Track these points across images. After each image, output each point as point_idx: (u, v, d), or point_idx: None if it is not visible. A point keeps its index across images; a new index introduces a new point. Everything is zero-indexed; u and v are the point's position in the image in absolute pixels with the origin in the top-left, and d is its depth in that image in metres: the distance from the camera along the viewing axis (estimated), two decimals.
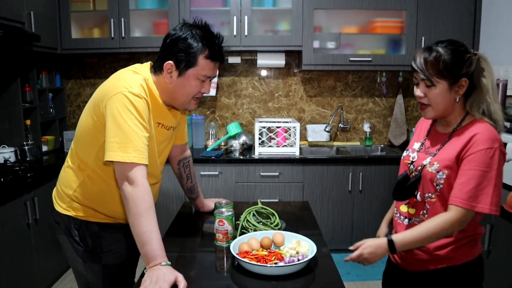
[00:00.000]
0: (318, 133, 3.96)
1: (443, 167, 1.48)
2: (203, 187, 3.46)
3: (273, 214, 1.83)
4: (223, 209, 1.70)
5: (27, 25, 3.09)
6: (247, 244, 1.55)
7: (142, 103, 1.45)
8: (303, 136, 4.03)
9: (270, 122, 3.72)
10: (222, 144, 3.77)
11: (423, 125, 1.72)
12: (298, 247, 1.53)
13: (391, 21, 3.64)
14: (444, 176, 1.47)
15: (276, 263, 1.42)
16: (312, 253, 1.47)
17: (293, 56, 3.96)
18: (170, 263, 1.36)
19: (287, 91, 4.02)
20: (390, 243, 1.48)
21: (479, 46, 3.49)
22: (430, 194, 1.52)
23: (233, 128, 3.68)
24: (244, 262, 1.40)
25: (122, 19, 3.52)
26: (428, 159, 1.53)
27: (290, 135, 3.61)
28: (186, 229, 1.86)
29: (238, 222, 1.80)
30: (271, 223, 1.78)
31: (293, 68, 3.99)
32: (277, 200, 3.47)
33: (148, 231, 1.37)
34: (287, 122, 3.75)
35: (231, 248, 1.47)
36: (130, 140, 1.40)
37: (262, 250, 1.55)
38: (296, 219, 1.99)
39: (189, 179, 2.00)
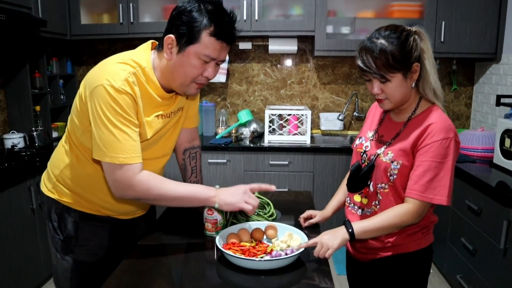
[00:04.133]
0: (331, 121, 3.85)
1: (398, 156, 1.43)
2: (210, 175, 3.40)
3: (268, 204, 1.75)
4: None
5: (34, 10, 3.06)
6: (236, 236, 1.47)
7: (126, 98, 1.34)
8: (315, 125, 3.93)
9: (281, 109, 3.61)
10: (233, 131, 3.70)
11: (375, 112, 1.65)
12: (290, 241, 1.45)
13: (410, 5, 3.47)
14: (398, 166, 1.43)
15: (262, 257, 1.34)
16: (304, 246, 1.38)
17: (306, 42, 3.84)
18: (218, 186, 1.49)
19: (300, 78, 3.91)
20: (348, 226, 1.44)
21: (504, 30, 3.29)
22: (383, 185, 1.47)
23: (244, 115, 3.60)
24: (228, 255, 1.32)
25: (131, 4, 3.46)
26: (382, 149, 1.48)
27: (301, 123, 3.52)
28: (179, 215, 1.79)
29: None
30: (265, 213, 1.70)
31: (307, 54, 3.87)
32: (286, 190, 3.38)
33: (181, 191, 1.42)
34: (298, 109, 3.64)
35: (216, 239, 1.40)
36: (118, 140, 1.33)
37: (252, 242, 1.47)
38: (295, 209, 1.90)
39: (193, 173, 1.82)
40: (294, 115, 3.52)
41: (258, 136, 3.66)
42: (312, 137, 3.52)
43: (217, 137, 3.62)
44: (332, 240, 1.41)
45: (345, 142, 3.79)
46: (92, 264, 1.59)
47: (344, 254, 1.71)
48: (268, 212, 1.71)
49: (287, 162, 3.37)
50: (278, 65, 3.91)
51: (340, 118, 3.76)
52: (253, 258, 1.30)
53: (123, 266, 1.38)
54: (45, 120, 3.49)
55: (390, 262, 1.52)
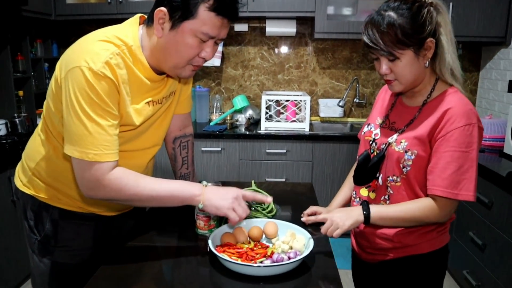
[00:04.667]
0: (331, 108, 3.70)
1: (413, 145, 1.28)
2: (204, 164, 3.25)
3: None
4: None
5: None
6: (232, 236, 1.30)
7: (104, 85, 1.15)
8: (314, 111, 3.77)
9: (278, 95, 3.45)
10: (227, 118, 3.55)
11: (385, 96, 1.48)
12: (292, 241, 1.29)
13: None
14: (413, 157, 1.27)
15: (261, 261, 1.18)
16: (308, 249, 1.21)
17: (306, 24, 3.66)
18: (205, 183, 1.31)
19: (299, 62, 3.73)
20: (365, 207, 1.30)
21: None
22: (394, 177, 1.31)
23: (239, 101, 3.45)
24: (222, 259, 1.15)
25: None
26: (394, 137, 1.32)
27: (300, 109, 3.38)
28: (171, 208, 1.62)
29: None
30: (264, 209, 1.53)
31: (306, 37, 3.69)
32: (283, 180, 3.26)
33: (159, 189, 1.24)
34: (297, 95, 3.48)
35: (209, 240, 1.23)
36: (90, 134, 1.16)
37: (250, 243, 1.31)
38: (296, 204, 1.73)
39: (184, 164, 1.64)
40: (292, 101, 3.37)
41: (254, 123, 3.52)
42: (310, 124, 3.38)
43: (211, 124, 3.48)
44: (344, 219, 1.28)
45: (345, 129, 3.65)
46: (74, 266, 1.43)
47: (344, 248, 1.55)
48: (267, 207, 1.54)
49: (284, 151, 3.22)
50: (276, 49, 3.74)
51: (340, 104, 3.60)
52: (251, 263, 1.13)
53: (101, 271, 1.21)
54: (29, 106, 3.30)
55: (401, 265, 1.37)
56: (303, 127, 3.30)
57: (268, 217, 1.50)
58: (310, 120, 3.40)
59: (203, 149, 3.22)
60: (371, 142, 1.39)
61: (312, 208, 1.51)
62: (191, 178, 1.66)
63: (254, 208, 1.52)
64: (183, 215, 1.53)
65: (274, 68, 3.76)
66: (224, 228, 1.35)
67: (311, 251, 1.20)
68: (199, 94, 3.57)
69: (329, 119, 3.75)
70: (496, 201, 2.30)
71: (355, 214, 1.29)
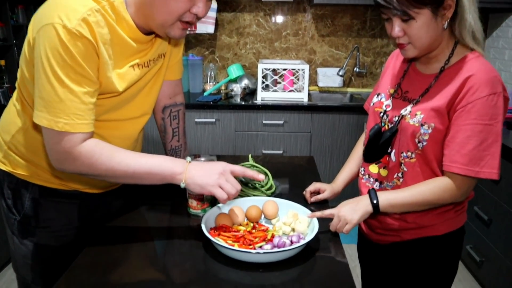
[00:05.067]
0: (330, 77, 3.55)
1: (429, 118, 1.14)
2: (198, 136, 3.12)
3: (266, 174, 1.45)
4: None
5: None
6: (228, 216, 1.18)
7: (80, 46, 1.00)
8: (313, 81, 3.63)
9: (275, 63, 3.29)
10: (222, 88, 3.42)
11: (396, 62, 1.33)
12: (295, 223, 1.16)
13: None
14: (429, 131, 1.14)
15: (261, 246, 1.06)
16: (312, 232, 1.09)
17: None
18: (189, 159, 1.15)
19: (296, 29, 3.55)
20: (373, 196, 1.18)
21: None
22: (409, 154, 1.18)
23: (234, 70, 3.31)
24: (217, 245, 1.03)
25: None
26: (408, 108, 1.19)
27: (298, 78, 3.23)
28: (162, 186, 1.49)
29: None
30: (262, 186, 1.40)
31: (304, 2, 3.50)
32: (281, 152, 3.14)
33: (136, 165, 1.09)
34: (294, 64, 3.32)
35: (202, 223, 1.11)
36: (61, 100, 1.01)
37: (247, 224, 1.19)
38: (297, 179, 1.61)
39: (175, 136, 1.50)
40: (289, 70, 3.23)
41: (250, 93, 3.38)
42: (309, 94, 3.24)
43: (205, 94, 3.33)
44: (351, 213, 1.17)
45: (345, 100, 3.52)
46: (58, 248, 1.31)
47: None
48: (266, 184, 1.42)
49: (282, 122, 3.09)
50: (272, 15, 3.55)
51: (340, 73, 3.45)
52: (250, 250, 1.01)
53: (85, 254, 1.09)
54: (12, 76, 3.12)
55: (414, 247, 1.26)
56: (301, 97, 3.16)
57: (267, 195, 1.37)
58: (309, 90, 3.25)
59: (196, 120, 3.09)
60: (381, 114, 1.25)
61: (315, 185, 1.39)
62: (183, 151, 1.52)
63: (251, 185, 1.40)
64: (176, 192, 1.40)
65: (271, 35, 3.58)
66: (219, 208, 1.23)
67: (317, 233, 1.08)
68: (192, 63, 3.41)
69: (328, 89, 3.61)
70: (504, 175, 2.18)
71: (363, 205, 1.18)
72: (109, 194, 1.38)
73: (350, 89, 3.64)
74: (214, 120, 3.09)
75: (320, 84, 3.57)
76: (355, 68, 3.58)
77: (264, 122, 3.09)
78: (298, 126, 3.11)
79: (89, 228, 1.33)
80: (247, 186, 1.39)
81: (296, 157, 2.02)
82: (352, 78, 3.66)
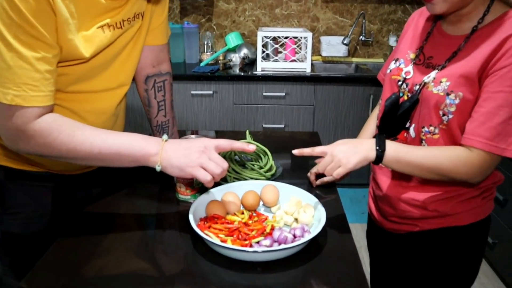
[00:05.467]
0: (334, 46, 3.36)
1: (457, 86, 0.96)
2: (194, 109, 2.96)
3: (265, 154, 1.28)
4: None
5: None
6: (220, 205, 1.02)
7: (30, 1, 0.82)
8: (316, 50, 3.43)
9: (276, 31, 3.09)
10: (220, 58, 3.22)
11: (418, 22, 1.14)
12: (298, 212, 1.00)
13: None
14: (456, 101, 0.96)
15: (258, 242, 0.90)
16: (319, 224, 0.93)
17: None
18: (165, 137, 0.96)
19: None
20: (380, 142, 0.99)
21: None
22: (431, 128, 1.01)
23: (232, 39, 3.10)
24: (208, 241, 0.87)
25: None
26: (433, 74, 1.00)
27: (300, 47, 3.05)
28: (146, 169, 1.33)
29: None
30: (261, 167, 1.24)
31: None
32: (282, 126, 2.99)
33: (102, 145, 0.92)
34: (297, 32, 3.12)
35: (190, 213, 0.95)
36: (8, 68, 0.84)
37: (243, 213, 1.03)
38: (301, 159, 1.44)
39: (161, 110, 1.32)
40: (291, 38, 3.05)
41: (249, 63, 3.21)
42: (312, 65, 3.07)
43: (202, 64, 3.16)
44: (348, 155, 0.96)
45: (350, 70, 3.35)
46: (29, 238, 1.16)
47: (354, 203, 1.24)
48: (265, 165, 1.25)
49: (283, 94, 2.93)
50: None
51: (345, 42, 3.26)
52: (245, 248, 0.85)
53: (57, 247, 0.94)
54: None
55: (433, 238, 1.10)
56: (304, 67, 2.98)
57: (267, 178, 1.21)
58: (311, 60, 3.08)
59: (193, 92, 2.93)
60: (400, 82, 1.07)
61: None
62: (171, 128, 1.35)
63: (248, 166, 1.23)
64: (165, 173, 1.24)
65: (271, 1, 3.36)
66: (211, 193, 1.07)
67: (324, 227, 0.92)
68: (187, 31, 3.21)
69: (332, 59, 3.42)
70: None
71: (364, 149, 0.98)
72: (88, 176, 1.22)
73: (355, 59, 3.45)
74: (211, 92, 2.93)
75: (324, 53, 3.39)
76: (361, 36, 3.38)
77: (265, 94, 2.93)
78: (300, 99, 2.95)
79: (64, 215, 1.17)
80: (244, 168, 1.23)
81: (299, 133, 1.85)
82: (358, 47, 3.46)
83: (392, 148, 0.98)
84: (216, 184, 1.09)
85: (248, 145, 0.97)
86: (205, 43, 3.33)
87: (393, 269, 1.22)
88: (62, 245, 0.96)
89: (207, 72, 2.90)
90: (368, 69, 3.23)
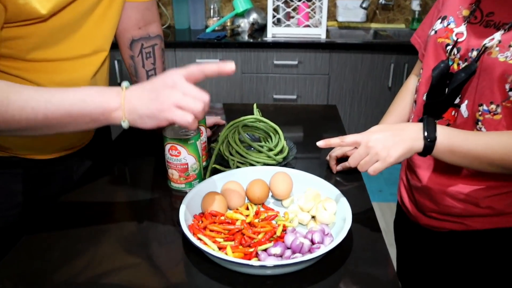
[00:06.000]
0: (351, 10, 3.15)
1: None
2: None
3: (275, 132, 1.08)
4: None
5: None
6: (220, 197, 0.82)
7: None
8: (332, 15, 3.22)
9: None
10: (227, 23, 3.04)
11: None
12: (317, 208, 0.80)
13: None
14: None
15: (266, 249, 0.71)
16: (344, 224, 0.74)
17: None
18: (126, 84, 0.74)
19: None
20: (429, 128, 0.76)
21: None
22: (492, 107, 0.80)
23: (241, 2, 2.94)
24: (204, 251, 0.68)
25: None
26: (497, 36, 0.78)
27: (314, 12, 2.87)
28: (138, 147, 1.14)
29: (214, 145, 1.06)
30: (271, 149, 1.03)
31: None
32: (294, 97, 2.80)
33: (46, 107, 0.71)
34: None
35: (181, 211, 0.75)
36: None
37: (248, 208, 0.83)
38: (317, 137, 1.24)
39: (152, 74, 1.13)
40: (304, 1, 2.87)
41: (259, 29, 3.01)
42: (327, 31, 2.88)
43: (208, 30, 2.98)
44: (388, 145, 0.75)
45: (368, 37, 3.14)
46: None
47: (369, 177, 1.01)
48: (276, 145, 1.05)
49: (296, 62, 2.73)
50: None
51: (363, 6, 3.03)
52: (250, 262, 0.66)
53: (22, 247, 0.76)
54: None
55: (484, 240, 0.90)
56: (318, 33, 2.79)
57: (277, 162, 1.01)
58: (327, 26, 2.87)
59: (198, 61, 2.74)
60: (450, 47, 0.85)
61: (342, 148, 1.01)
62: None
63: (255, 148, 1.03)
64: (158, 154, 1.06)
65: None
66: (209, 182, 0.87)
67: (349, 229, 0.72)
68: None
69: (349, 24, 3.21)
70: None
71: (409, 137, 0.76)
72: (64, 160, 1.04)
73: (374, 25, 3.22)
74: (218, 60, 2.74)
75: (340, 18, 3.19)
76: (380, 0, 3.13)
77: (275, 62, 2.74)
78: (314, 67, 2.75)
79: (38, 206, 0.99)
80: (249, 149, 1.03)
81: (314, 106, 1.64)
82: (377, 11, 3.22)
83: (445, 135, 0.75)
84: (215, 171, 0.89)
85: (225, 65, 0.72)
86: (212, 7, 3.16)
87: (427, 268, 1.03)
88: (29, 244, 0.78)
89: (214, 39, 2.73)
90: (389, 35, 3.01)
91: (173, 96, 0.69)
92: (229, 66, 0.71)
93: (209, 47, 2.71)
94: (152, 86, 0.71)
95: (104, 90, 0.73)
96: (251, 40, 2.74)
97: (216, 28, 3.00)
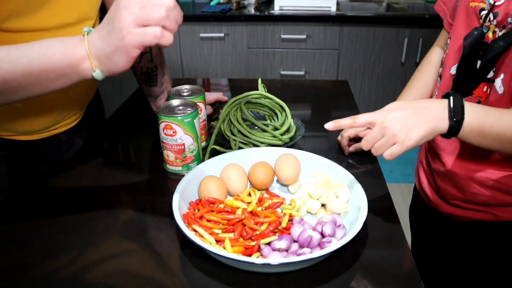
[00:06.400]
0: None
1: None
2: (204, 54, 2.68)
3: (282, 109, 0.99)
4: (176, 102, 0.86)
5: None
6: (219, 182, 0.74)
7: None
8: None
9: None
10: None
11: None
12: (327, 195, 0.72)
13: None
14: None
15: (269, 243, 0.62)
16: (359, 214, 0.65)
17: None
18: (87, 30, 0.62)
19: None
20: (455, 106, 0.65)
21: None
22: None
23: None
24: (197, 243, 0.59)
25: None
26: None
27: None
28: (132, 124, 1.06)
29: (214, 124, 0.97)
30: (277, 128, 0.94)
31: None
32: (302, 73, 2.69)
33: (6, 65, 0.61)
34: None
35: (175, 198, 0.67)
36: None
37: (250, 195, 0.75)
38: (327, 116, 1.15)
39: (145, 53, 1.01)
40: None
41: (265, 1, 2.90)
42: (337, 3, 2.76)
43: (212, 3, 2.86)
44: (408, 126, 0.65)
45: (380, 10, 3.00)
46: None
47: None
48: (282, 124, 0.95)
49: (304, 36, 2.62)
50: None
51: None
52: (252, 259, 0.57)
53: None
54: None
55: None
56: (328, 5, 2.66)
57: (284, 143, 0.92)
58: None
59: (202, 35, 2.63)
60: (485, 12, 0.74)
61: (356, 128, 0.92)
62: (160, 76, 1.04)
63: (259, 126, 0.94)
64: (154, 134, 0.97)
65: None
66: (209, 164, 0.78)
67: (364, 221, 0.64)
68: None
69: None
70: None
71: (432, 115, 0.66)
72: (53, 141, 0.95)
73: None
74: (222, 34, 2.64)
75: None
76: None
77: (283, 37, 2.63)
78: (323, 42, 2.64)
79: (27, 190, 0.92)
80: (253, 129, 0.94)
81: (325, 81, 1.54)
82: None
83: (474, 115, 0.65)
84: (215, 153, 0.81)
85: None
86: None
87: (447, 260, 0.94)
88: (8, 234, 0.70)
89: (218, 12, 2.62)
90: (402, 8, 2.87)
91: (128, 15, 0.57)
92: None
93: (213, 21, 2.59)
94: (108, 16, 0.60)
95: (66, 39, 0.63)
96: (258, 13, 2.62)
97: (221, 0, 2.88)
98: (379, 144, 0.66)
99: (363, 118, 0.68)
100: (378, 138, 0.66)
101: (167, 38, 0.58)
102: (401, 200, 2.29)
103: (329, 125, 0.71)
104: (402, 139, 0.64)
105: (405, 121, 0.65)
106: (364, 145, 0.69)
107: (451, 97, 0.66)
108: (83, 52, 0.60)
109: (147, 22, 0.57)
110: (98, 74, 0.61)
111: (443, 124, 0.65)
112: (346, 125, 0.70)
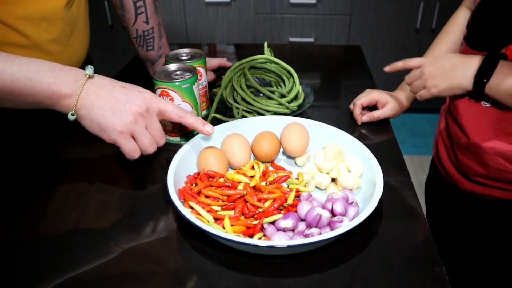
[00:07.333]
0: None
1: None
2: (209, 21, 2.58)
3: (289, 75, 0.91)
4: (174, 66, 0.79)
5: None
6: (220, 152, 0.67)
7: None
8: None
9: None
10: None
11: None
12: (338, 170, 0.65)
13: None
14: None
15: (273, 222, 0.56)
16: (376, 190, 0.58)
17: None
18: (90, 69, 0.63)
19: None
20: (486, 65, 0.67)
21: None
22: None
23: None
24: (193, 222, 0.53)
25: None
26: None
27: None
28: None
29: (216, 90, 0.90)
30: (283, 95, 0.87)
31: None
32: (312, 40, 2.58)
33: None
34: None
35: (170, 171, 0.61)
36: None
37: (253, 168, 0.68)
38: (338, 84, 1.07)
39: (140, 14, 0.92)
40: None
41: None
42: None
43: None
44: (438, 75, 0.73)
45: None
46: None
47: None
48: (289, 91, 0.88)
49: (314, 1, 2.50)
50: None
51: None
52: (254, 241, 0.52)
53: None
54: None
55: None
56: None
57: (291, 111, 0.85)
58: None
59: (206, 0, 2.52)
60: None
61: (370, 95, 0.85)
62: (156, 39, 0.96)
63: (265, 93, 0.87)
64: None
65: None
66: (207, 136, 0.72)
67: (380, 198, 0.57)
68: None
69: None
70: None
71: (460, 74, 0.70)
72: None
73: None
74: (229, 0, 2.51)
75: None
76: None
77: (292, 1, 2.51)
78: (334, 7, 2.52)
79: (14, 162, 0.86)
80: (258, 96, 0.86)
81: (336, 47, 1.45)
82: None
83: (504, 75, 0.61)
84: (216, 122, 0.74)
85: (204, 126, 0.67)
86: None
87: (466, 239, 0.88)
88: None
89: None
90: None
91: (136, 124, 0.63)
92: (207, 129, 0.66)
93: None
94: (123, 97, 0.62)
95: (60, 69, 0.61)
96: None
97: None
98: (415, 84, 0.77)
99: (413, 61, 0.77)
100: (416, 78, 0.76)
101: (132, 158, 0.64)
102: (413, 172, 2.22)
103: (387, 68, 0.80)
104: (430, 86, 0.74)
105: (438, 71, 0.72)
106: (407, 79, 0.79)
107: (488, 59, 0.66)
108: (71, 91, 0.60)
109: (138, 143, 0.64)
110: (72, 117, 0.62)
111: (467, 82, 0.69)
112: (399, 67, 0.79)
